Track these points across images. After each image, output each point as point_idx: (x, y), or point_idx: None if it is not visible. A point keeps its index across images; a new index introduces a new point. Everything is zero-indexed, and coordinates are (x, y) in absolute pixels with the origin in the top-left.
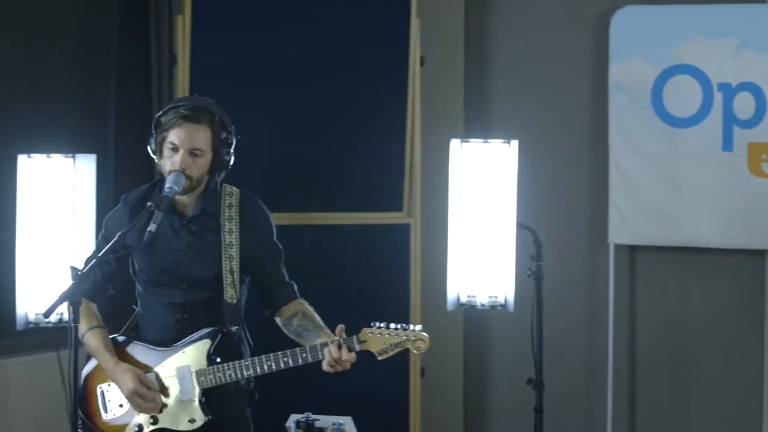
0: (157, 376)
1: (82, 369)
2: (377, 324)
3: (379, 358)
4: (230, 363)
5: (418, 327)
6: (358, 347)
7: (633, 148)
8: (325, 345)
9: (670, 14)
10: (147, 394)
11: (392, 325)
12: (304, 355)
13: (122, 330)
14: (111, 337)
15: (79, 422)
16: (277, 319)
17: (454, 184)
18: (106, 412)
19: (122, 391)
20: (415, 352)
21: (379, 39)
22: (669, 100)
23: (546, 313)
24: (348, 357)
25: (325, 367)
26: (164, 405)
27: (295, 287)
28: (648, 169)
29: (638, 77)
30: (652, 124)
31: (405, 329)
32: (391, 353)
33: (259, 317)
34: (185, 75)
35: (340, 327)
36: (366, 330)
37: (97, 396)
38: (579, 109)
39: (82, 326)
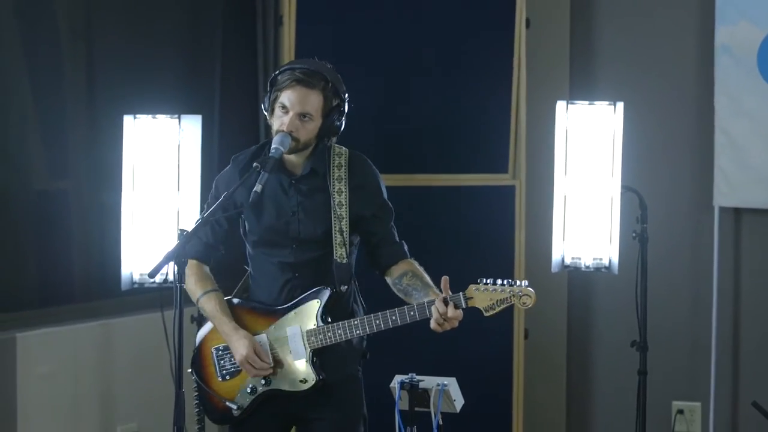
0: (268, 337)
1: (197, 331)
2: (483, 280)
3: (486, 314)
4: (340, 323)
5: (524, 282)
6: (464, 304)
7: (739, 110)
8: (432, 302)
9: None
10: (258, 362)
11: (498, 281)
12: (412, 312)
13: (234, 292)
14: (225, 299)
15: (194, 386)
16: (387, 279)
17: (559, 146)
18: (219, 374)
19: (235, 356)
20: (521, 307)
21: (485, 1)
22: None
23: (650, 275)
24: (454, 314)
25: (432, 325)
26: (276, 367)
27: (405, 247)
28: (754, 132)
29: (744, 40)
30: (757, 86)
31: (511, 285)
32: (497, 309)
33: (370, 279)
34: (291, 36)
35: (445, 279)
36: (472, 287)
37: (211, 358)
38: (685, 72)
39: (197, 290)
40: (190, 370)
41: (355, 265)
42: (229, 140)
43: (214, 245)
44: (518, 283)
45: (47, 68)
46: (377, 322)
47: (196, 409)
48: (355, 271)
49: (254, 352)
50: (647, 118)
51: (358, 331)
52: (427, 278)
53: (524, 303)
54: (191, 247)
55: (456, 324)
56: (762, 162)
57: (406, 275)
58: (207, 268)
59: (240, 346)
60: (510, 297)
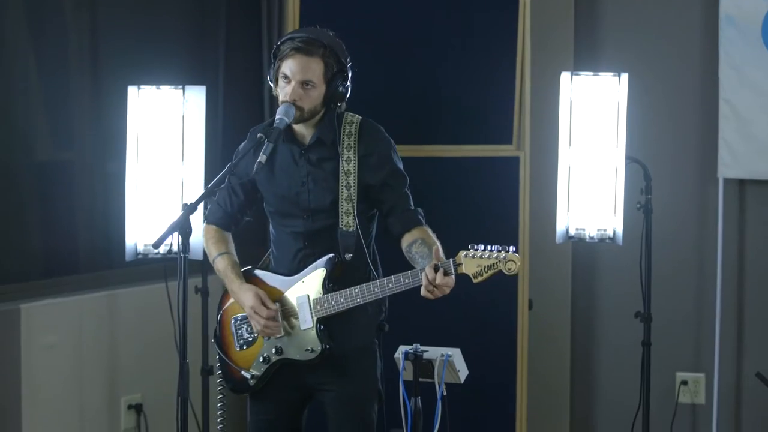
0: (280, 305)
1: (202, 302)
2: (474, 246)
3: (475, 281)
4: (342, 291)
5: (512, 248)
6: (454, 270)
7: (743, 82)
8: (424, 269)
9: None
10: (264, 311)
11: (488, 247)
12: (407, 280)
13: (259, 264)
14: (244, 270)
15: (217, 356)
16: (402, 247)
17: (563, 117)
18: (237, 343)
19: (244, 309)
20: (507, 273)
21: None
22: None
23: (654, 246)
24: (443, 281)
25: (422, 292)
26: (287, 333)
27: (420, 214)
28: (758, 103)
29: (749, 11)
30: (762, 58)
31: (500, 250)
32: (485, 276)
33: (390, 249)
34: (295, 6)
35: (436, 248)
36: (462, 253)
37: (230, 327)
38: (689, 43)
39: (213, 252)
40: (213, 341)
41: (376, 235)
42: (233, 111)
43: (232, 214)
44: (507, 248)
45: (51, 39)
46: (375, 289)
47: (219, 380)
48: (376, 242)
49: (260, 302)
50: (652, 90)
51: (358, 300)
52: (436, 245)
53: (509, 269)
54: (212, 215)
55: (447, 291)
56: (766, 133)
57: (415, 243)
58: (228, 235)
59: (246, 297)
60: (496, 263)
